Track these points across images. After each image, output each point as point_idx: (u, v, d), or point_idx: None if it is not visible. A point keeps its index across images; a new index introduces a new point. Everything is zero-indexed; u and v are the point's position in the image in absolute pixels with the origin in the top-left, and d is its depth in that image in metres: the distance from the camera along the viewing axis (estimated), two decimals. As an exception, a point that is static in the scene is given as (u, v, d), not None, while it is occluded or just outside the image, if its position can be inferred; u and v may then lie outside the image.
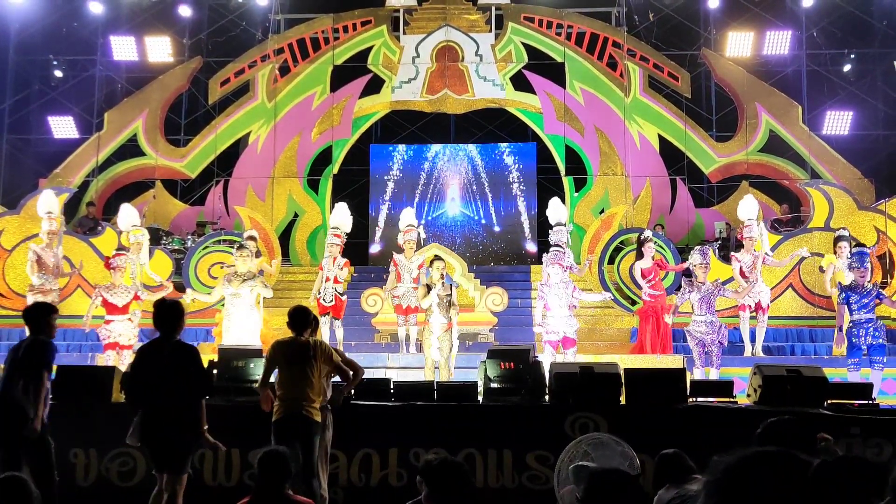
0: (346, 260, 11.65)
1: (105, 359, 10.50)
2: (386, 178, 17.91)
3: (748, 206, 11.99)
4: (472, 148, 18.14)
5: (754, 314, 11.42)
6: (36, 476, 5.42)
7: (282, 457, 4.47)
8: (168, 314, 5.74)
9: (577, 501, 3.88)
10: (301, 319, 6.32)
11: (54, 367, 6.54)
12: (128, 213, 12.48)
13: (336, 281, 11.41)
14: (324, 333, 10.72)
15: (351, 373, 6.47)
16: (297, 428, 6.04)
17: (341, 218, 12.09)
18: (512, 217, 17.78)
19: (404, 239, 11.95)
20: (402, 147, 18.19)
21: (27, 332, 6.16)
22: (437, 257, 10.72)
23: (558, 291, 10.42)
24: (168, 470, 5.62)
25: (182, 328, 5.80)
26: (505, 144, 18.16)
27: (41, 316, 6.14)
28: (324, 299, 11.30)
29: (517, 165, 17.91)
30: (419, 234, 12.21)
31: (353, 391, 6.95)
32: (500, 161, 17.99)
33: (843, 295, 10.41)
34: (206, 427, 5.71)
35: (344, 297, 11.64)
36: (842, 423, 6.89)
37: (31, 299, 11.52)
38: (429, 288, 10.22)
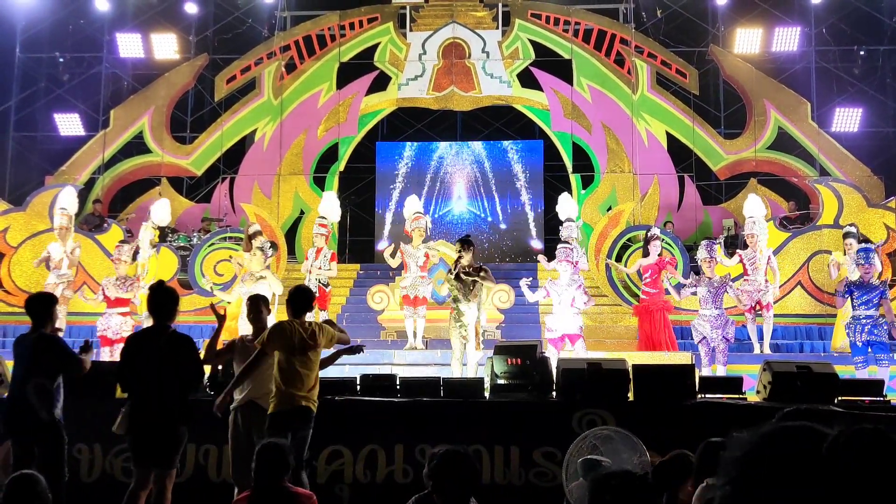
0: (332, 252, 11.62)
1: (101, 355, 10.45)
2: (392, 175, 17.88)
3: (752, 204, 11.92)
4: (478, 145, 18.11)
5: (760, 312, 11.33)
6: (44, 471, 5.29)
7: (281, 449, 4.39)
8: (163, 300, 5.50)
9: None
10: (305, 300, 6.06)
11: None
12: (161, 209, 12.52)
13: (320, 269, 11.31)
14: None
15: (349, 341, 6.35)
16: (295, 421, 5.80)
17: (329, 208, 12.05)
18: (519, 215, 17.72)
19: (413, 226, 11.57)
20: (408, 144, 18.15)
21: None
22: (459, 240, 9.93)
23: (560, 289, 10.31)
24: (156, 464, 5.36)
25: (176, 315, 5.57)
26: (512, 142, 18.12)
27: (44, 307, 5.83)
28: None
29: (524, 163, 17.86)
30: (427, 222, 12.04)
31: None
32: (506, 158, 17.93)
33: (847, 289, 10.33)
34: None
35: (328, 289, 11.57)
36: (853, 420, 6.80)
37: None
38: (457, 276, 9.47)
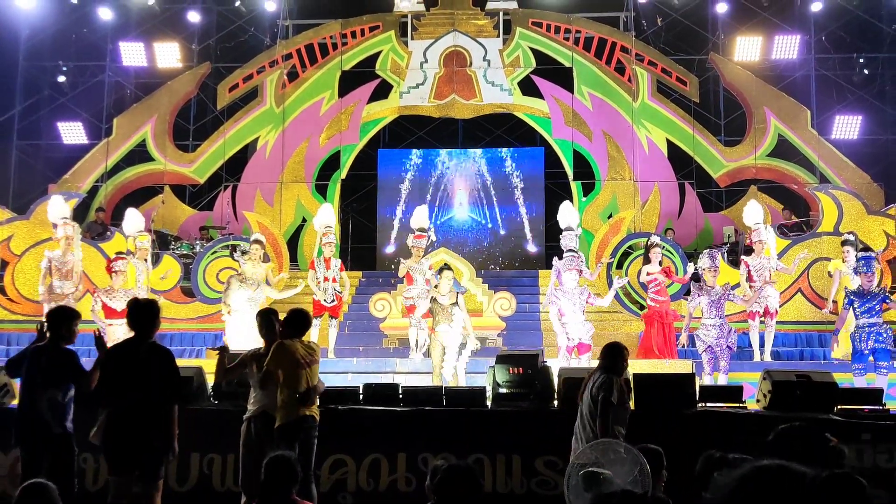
0: (340, 262, 11.78)
1: None
2: (394, 183, 17.95)
3: (753, 210, 11.98)
4: (479, 153, 18.21)
5: (763, 319, 11.37)
6: (53, 481, 5.32)
7: (290, 462, 4.44)
8: (143, 314, 5.57)
9: None
10: (305, 323, 6.27)
11: None
12: (134, 218, 12.52)
13: (335, 280, 11.49)
14: (314, 335, 10.80)
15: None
16: (301, 429, 5.94)
17: (330, 217, 12.15)
18: (520, 222, 17.78)
19: (413, 244, 11.70)
20: (410, 152, 18.23)
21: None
22: (445, 266, 10.62)
23: (573, 297, 10.35)
24: (140, 479, 5.34)
25: (157, 329, 5.62)
26: (513, 149, 18.20)
27: (62, 322, 5.96)
28: (324, 300, 11.34)
29: (525, 170, 17.92)
30: (430, 237, 12.12)
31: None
32: (507, 166, 18.01)
33: (848, 299, 10.37)
34: (176, 433, 5.47)
35: (342, 296, 11.78)
36: (852, 428, 6.85)
37: (46, 308, 11.51)
38: (433, 299, 10.20)
